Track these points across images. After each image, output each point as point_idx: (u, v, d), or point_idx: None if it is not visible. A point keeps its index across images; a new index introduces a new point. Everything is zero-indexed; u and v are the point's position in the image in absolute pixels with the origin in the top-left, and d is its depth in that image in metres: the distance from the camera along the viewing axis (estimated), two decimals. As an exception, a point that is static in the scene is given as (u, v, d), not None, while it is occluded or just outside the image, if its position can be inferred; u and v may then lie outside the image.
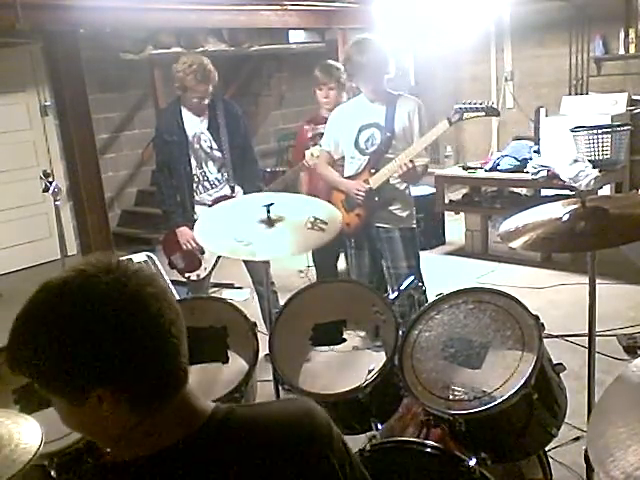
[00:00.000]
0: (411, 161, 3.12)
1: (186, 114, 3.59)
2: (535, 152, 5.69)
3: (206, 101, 3.52)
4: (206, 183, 3.64)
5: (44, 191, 3.57)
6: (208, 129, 3.60)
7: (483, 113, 3.15)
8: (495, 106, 3.17)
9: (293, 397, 1.21)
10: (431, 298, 2.15)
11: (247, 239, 2.25)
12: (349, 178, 3.37)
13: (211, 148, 3.62)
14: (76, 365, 0.90)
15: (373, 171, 3.26)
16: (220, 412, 1.01)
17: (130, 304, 0.92)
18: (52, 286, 0.94)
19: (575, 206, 1.94)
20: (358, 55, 3.18)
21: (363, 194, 3.27)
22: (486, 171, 5.70)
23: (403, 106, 3.26)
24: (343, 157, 3.44)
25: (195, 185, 3.63)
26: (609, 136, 5.03)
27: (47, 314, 0.92)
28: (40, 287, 0.94)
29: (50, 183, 3.52)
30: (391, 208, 3.33)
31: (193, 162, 3.60)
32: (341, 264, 4.29)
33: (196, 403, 1.01)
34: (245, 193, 3.59)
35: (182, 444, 0.95)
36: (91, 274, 0.93)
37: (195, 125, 3.60)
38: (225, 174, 3.66)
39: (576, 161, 5.02)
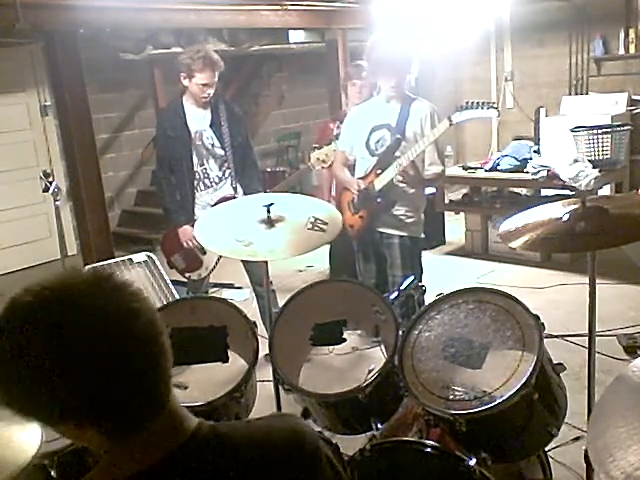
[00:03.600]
0: (413, 162, 3.09)
1: (189, 110, 3.59)
2: (535, 152, 5.69)
3: (210, 91, 3.51)
4: (207, 180, 3.64)
5: (44, 191, 3.57)
6: (211, 126, 3.60)
7: (482, 116, 3.09)
8: (495, 110, 3.07)
9: (283, 414, 1.16)
10: (431, 298, 2.15)
11: (247, 239, 2.25)
12: (359, 179, 3.33)
13: (213, 145, 3.61)
14: (34, 403, 0.87)
15: (379, 172, 3.21)
16: (202, 431, 0.96)
17: (94, 335, 0.86)
18: (20, 309, 0.87)
19: (575, 206, 1.94)
20: (380, 50, 3.14)
21: (358, 193, 3.25)
22: (486, 171, 5.70)
23: (417, 110, 3.20)
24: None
25: (196, 182, 3.63)
26: (609, 136, 5.04)
27: (6, 342, 0.86)
28: (7, 306, 0.88)
29: (50, 183, 3.52)
30: (395, 212, 3.27)
31: (195, 159, 3.59)
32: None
33: (177, 424, 0.96)
34: (245, 195, 3.59)
35: (158, 465, 0.91)
36: (63, 298, 0.87)
37: (198, 121, 3.59)
38: (226, 172, 3.66)
39: (576, 161, 5.03)
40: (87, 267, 4.03)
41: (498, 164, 5.62)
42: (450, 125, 3.06)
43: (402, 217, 3.28)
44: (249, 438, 0.99)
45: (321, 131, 4.34)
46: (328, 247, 4.25)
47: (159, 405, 0.94)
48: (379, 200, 3.25)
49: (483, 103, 3.08)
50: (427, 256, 3.99)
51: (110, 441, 0.92)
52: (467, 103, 3.08)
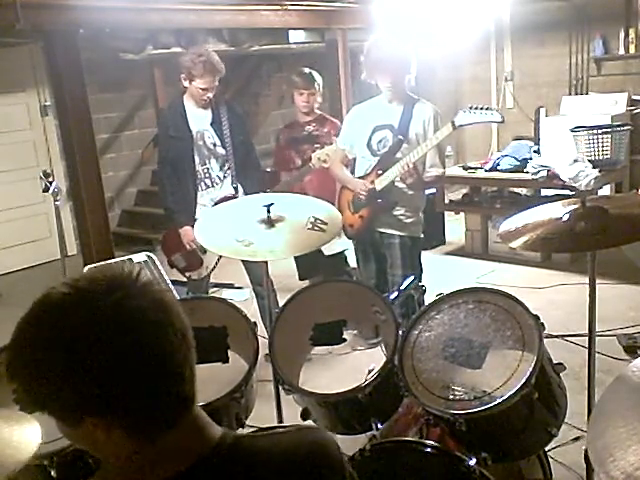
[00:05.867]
0: (414, 165, 3.09)
1: (190, 110, 3.58)
2: (535, 152, 5.69)
3: (209, 95, 3.51)
4: (207, 180, 3.64)
5: (44, 191, 3.57)
6: (212, 125, 3.59)
7: (485, 122, 3.11)
8: (499, 115, 3.07)
9: (307, 427, 1.16)
10: (431, 298, 2.15)
11: (247, 239, 2.25)
12: (359, 179, 3.34)
13: (214, 145, 3.61)
14: (65, 391, 0.86)
15: (380, 172, 3.22)
16: (227, 441, 0.96)
17: (128, 332, 0.86)
18: (49, 303, 0.89)
19: (575, 206, 1.94)
20: (377, 50, 3.14)
21: (365, 193, 3.25)
22: (486, 171, 5.70)
23: (420, 112, 3.21)
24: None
25: (197, 182, 3.62)
26: (609, 136, 5.03)
27: (39, 333, 0.87)
28: (39, 300, 0.90)
29: (50, 183, 3.53)
30: (395, 213, 3.28)
31: (196, 158, 3.59)
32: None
33: (202, 430, 0.96)
34: (246, 194, 3.59)
35: (186, 473, 0.91)
36: (92, 294, 0.88)
37: (199, 121, 3.59)
38: (227, 172, 3.65)
39: (576, 161, 5.03)
40: (87, 267, 4.03)
41: (498, 164, 5.62)
42: (453, 129, 3.06)
43: (401, 217, 3.29)
44: (273, 451, 0.98)
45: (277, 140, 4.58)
46: None
47: (188, 404, 0.94)
48: (380, 200, 3.25)
49: (487, 108, 3.07)
50: (427, 256, 3.99)
51: (136, 443, 0.90)
52: (471, 107, 3.07)
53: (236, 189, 3.66)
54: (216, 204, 3.54)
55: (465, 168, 5.94)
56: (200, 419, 0.96)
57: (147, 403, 0.88)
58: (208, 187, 3.64)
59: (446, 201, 6.00)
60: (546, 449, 2.12)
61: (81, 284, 0.89)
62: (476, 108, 3.06)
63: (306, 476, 0.97)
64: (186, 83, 3.51)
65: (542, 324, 1.88)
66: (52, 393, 0.87)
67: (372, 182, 3.24)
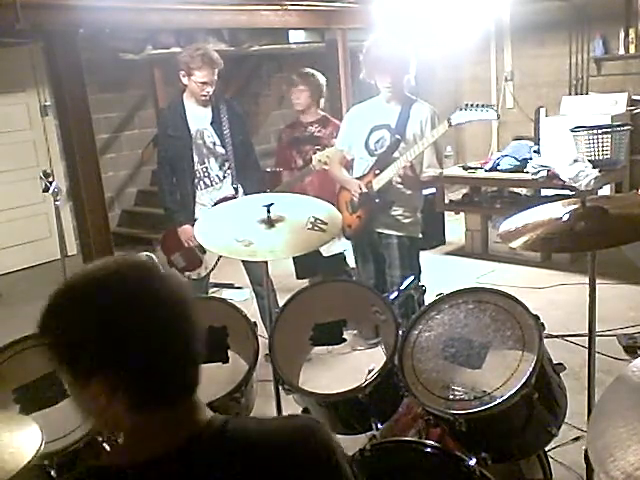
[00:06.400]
0: (412, 164, 3.10)
1: (190, 109, 3.58)
2: (535, 152, 5.69)
3: (210, 90, 3.50)
4: (207, 179, 3.63)
5: (44, 191, 3.56)
6: (211, 124, 3.59)
7: (481, 119, 3.09)
8: (495, 112, 3.06)
9: (296, 415, 1.19)
10: (431, 298, 2.15)
11: (247, 239, 2.25)
12: (357, 179, 3.34)
13: (214, 144, 3.60)
14: (82, 346, 0.93)
15: (378, 172, 3.23)
16: (216, 423, 1.01)
17: (149, 306, 0.95)
18: (85, 275, 0.98)
19: (575, 206, 1.94)
20: (376, 50, 3.15)
21: (358, 196, 3.26)
22: (486, 171, 5.70)
23: (417, 113, 3.21)
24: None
25: (196, 181, 3.62)
26: (609, 136, 5.04)
27: (72, 296, 0.97)
28: (76, 273, 1.00)
29: (50, 183, 3.52)
30: (393, 213, 3.28)
31: (195, 157, 3.58)
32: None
33: (196, 412, 1.01)
34: (246, 194, 3.58)
35: (176, 453, 0.95)
36: (120, 273, 0.97)
37: (199, 120, 3.58)
38: (227, 171, 3.65)
39: (576, 161, 5.03)
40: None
41: (498, 164, 5.62)
42: (449, 127, 3.06)
43: (399, 217, 3.29)
44: (261, 432, 1.02)
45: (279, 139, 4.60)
46: None
47: (191, 386, 1.01)
48: (377, 200, 3.25)
49: (483, 105, 3.07)
50: (427, 256, 4.00)
51: (134, 416, 0.95)
52: (467, 105, 3.07)
53: (236, 189, 3.65)
54: (216, 204, 3.54)
55: (465, 168, 5.94)
56: (196, 403, 1.02)
57: (149, 376, 0.95)
58: (207, 186, 3.63)
59: (446, 201, 6.00)
60: (546, 449, 2.12)
61: (112, 264, 0.99)
62: (472, 105, 3.06)
63: (293, 457, 0.99)
64: (185, 80, 3.50)
65: (542, 324, 1.88)
66: (72, 347, 0.94)
67: (370, 182, 3.25)
